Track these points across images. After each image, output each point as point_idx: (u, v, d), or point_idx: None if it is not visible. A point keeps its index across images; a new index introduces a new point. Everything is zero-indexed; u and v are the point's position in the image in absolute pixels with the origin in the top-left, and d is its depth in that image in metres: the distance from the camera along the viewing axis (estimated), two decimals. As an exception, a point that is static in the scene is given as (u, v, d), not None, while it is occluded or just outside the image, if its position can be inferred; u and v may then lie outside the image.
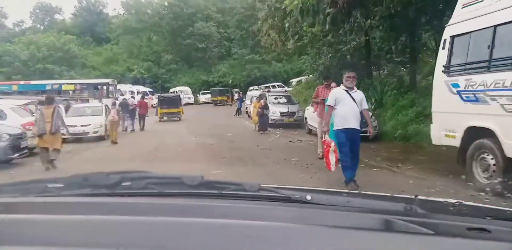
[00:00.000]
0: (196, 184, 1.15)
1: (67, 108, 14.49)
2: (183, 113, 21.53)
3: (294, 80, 31.89)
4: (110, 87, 25.50)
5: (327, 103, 5.91)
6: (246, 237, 0.79)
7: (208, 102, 36.85)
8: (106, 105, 15.14)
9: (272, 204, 1.07)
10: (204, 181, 1.16)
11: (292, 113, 16.01)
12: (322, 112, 7.46)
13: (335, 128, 5.66)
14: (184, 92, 38.78)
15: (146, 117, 17.66)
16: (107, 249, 0.74)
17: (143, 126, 17.08)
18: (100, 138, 13.48)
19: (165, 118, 20.83)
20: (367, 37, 15.35)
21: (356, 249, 0.78)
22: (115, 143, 12.57)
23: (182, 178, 1.17)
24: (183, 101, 33.83)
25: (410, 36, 13.64)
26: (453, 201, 1.16)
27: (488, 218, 1.02)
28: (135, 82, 39.85)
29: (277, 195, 1.13)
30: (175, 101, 21.23)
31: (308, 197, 1.10)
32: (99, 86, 25.39)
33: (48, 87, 25.11)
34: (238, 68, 43.42)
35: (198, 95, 39.15)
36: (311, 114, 13.26)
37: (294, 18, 14.91)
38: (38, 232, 0.83)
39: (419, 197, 1.19)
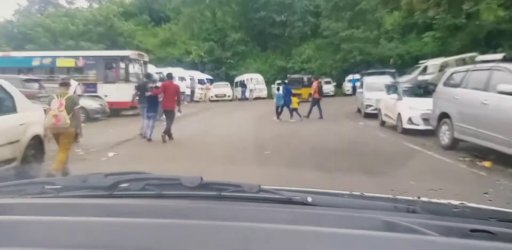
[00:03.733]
0: (195, 186, 1.10)
1: None
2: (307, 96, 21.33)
3: (429, 64, 19.34)
4: (133, 65, 15.30)
5: None
6: (246, 240, 0.77)
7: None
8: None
9: (272, 206, 1.04)
10: (203, 182, 1.10)
11: None
12: None
13: None
14: (255, 81, 28.48)
15: (178, 115, 9.51)
16: None
17: (168, 131, 9.04)
18: None
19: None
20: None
21: None
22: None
23: (181, 179, 1.11)
24: (254, 94, 25.45)
25: None
26: (457, 202, 1.12)
27: (491, 219, 0.99)
28: (192, 68, 30.50)
29: (278, 196, 1.09)
30: (298, 83, 23.27)
31: (309, 199, 1.07)
32: (113, 63, 15.22)
33: (35, 63, 15.48)
34: (329, 50, 31.77)
35: (272, 86, 27.99)
36: None
37: None
38: (35, 234, 0.82)
39: (422, 199, 1.15)
